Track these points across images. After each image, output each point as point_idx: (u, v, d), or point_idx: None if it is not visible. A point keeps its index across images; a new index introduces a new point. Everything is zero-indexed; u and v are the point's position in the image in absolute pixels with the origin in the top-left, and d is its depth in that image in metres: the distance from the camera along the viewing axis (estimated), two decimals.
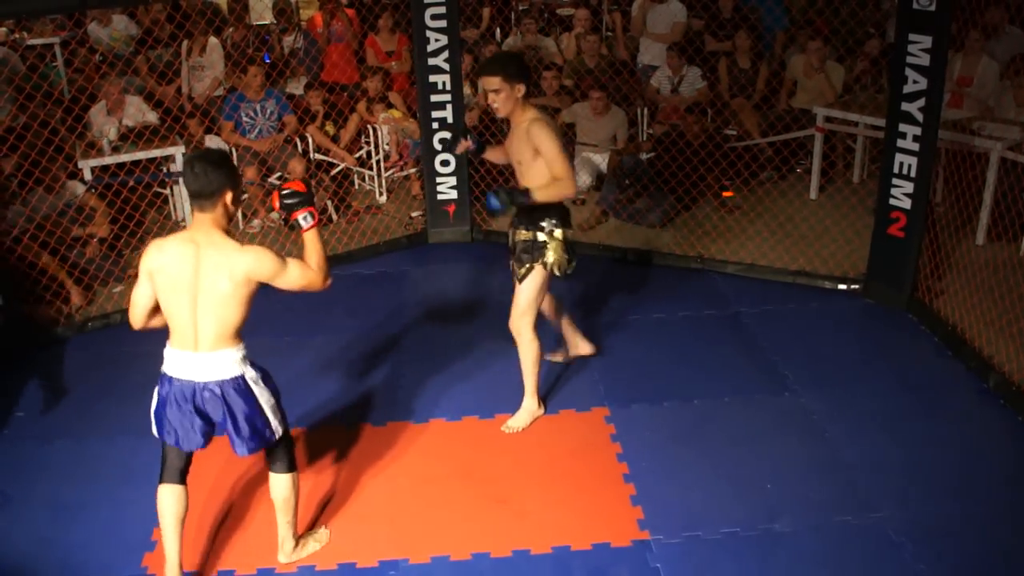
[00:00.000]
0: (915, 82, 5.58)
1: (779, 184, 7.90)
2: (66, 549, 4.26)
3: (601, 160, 8.00)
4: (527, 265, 4.71)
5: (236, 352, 3.71)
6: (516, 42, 8.89)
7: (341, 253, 7.12)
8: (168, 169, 7.42)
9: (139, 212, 6.85)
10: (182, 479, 3.87)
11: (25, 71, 8.11)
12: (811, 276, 6.49)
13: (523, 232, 4.72)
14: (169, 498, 3.84)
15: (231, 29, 8.87)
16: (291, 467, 3.99)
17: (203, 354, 3.66)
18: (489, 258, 7.02)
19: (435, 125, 7.02)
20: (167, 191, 7.78)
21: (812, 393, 5.21)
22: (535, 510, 4.40)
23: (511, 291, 4.83)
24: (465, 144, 4.81)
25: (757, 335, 5.84)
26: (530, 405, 5.03)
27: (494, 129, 7.78)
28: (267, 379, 3.84)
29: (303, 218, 3.77)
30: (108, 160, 7.16)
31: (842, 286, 6.36)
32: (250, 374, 3.75)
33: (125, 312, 6.24)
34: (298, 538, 4.17)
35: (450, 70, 6.88)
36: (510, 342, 4.86)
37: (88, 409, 5.31)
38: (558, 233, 4.67)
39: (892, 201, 5.91)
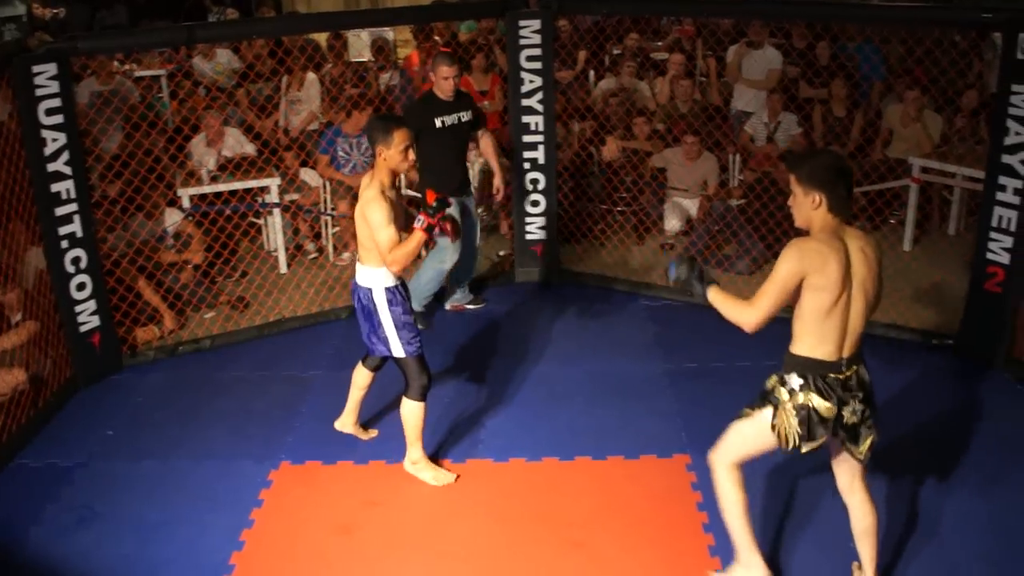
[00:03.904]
0: (1017, 134, 5.46)
1: (871, 235, 7.75)
2: (148, 567, 4.34)
3: (691, 205, 7.97)
4: (746, 409, 3.87)
5: (375, 270, 4.53)
6: (610, 84, 8.92)
7: None
8: (263, 199, 7.58)
9: (233, 241, 7.01)
10: (369, 367, 5.04)
11: (134, 102, 8.41)
12: (901, 330, 6.33)
13: (773, 376, 3.85)
14: (358, 372, 5.07)
15: (329, 65, 9.07)
16: (416, 395, 4.69)
17: (359, 264, 4.61)
18: (573, 299, 7.01)
19: (527, 165, 7.07)
20: (261, 221, 7.95)
21: (900, 450, 5.08)
22: (612, 556, 4.35)
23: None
24: None
25: None
26: (746, 561, 3.96)
27: (584, 171, 7.80)
28: (396, 303, 4.58)
29: (418, 221, 4.44)
30: (206, 189, 7.38)
31: (934, 342, 6.21)
32: (379, 294, 4.55)
33: (215, 338, 6.46)
34: (422, 458, 4.86)
35: (544, 111, 6.93)
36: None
37: (176, 431, 5.42)
38: (802, 398, 3.72)
39: (990, 255, 5.76)
